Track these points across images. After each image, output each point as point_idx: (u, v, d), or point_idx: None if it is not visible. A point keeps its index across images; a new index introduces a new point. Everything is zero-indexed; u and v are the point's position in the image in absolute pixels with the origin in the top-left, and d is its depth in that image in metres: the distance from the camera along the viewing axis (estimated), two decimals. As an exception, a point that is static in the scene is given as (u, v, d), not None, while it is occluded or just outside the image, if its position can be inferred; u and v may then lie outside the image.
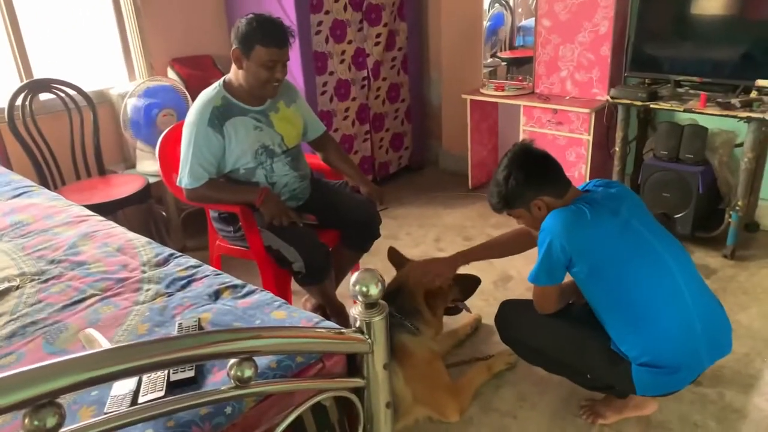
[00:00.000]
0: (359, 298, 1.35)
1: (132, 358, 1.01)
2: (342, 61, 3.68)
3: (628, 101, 3.04)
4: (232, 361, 1.13)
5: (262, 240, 2.26)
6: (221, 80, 2.30)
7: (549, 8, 3.41)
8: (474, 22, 3.87)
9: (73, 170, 3.11)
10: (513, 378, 2.23)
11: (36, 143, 2.94)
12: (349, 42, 3.68)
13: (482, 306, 2.68)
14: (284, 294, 2.31)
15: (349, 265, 2.60)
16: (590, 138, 3.28)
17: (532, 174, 1.80)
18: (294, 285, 2.40)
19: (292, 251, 2.21)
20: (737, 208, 2.86)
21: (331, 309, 2.45)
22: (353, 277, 1.36)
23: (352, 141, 3.88)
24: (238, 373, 1.12)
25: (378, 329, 1.36)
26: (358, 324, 1.36)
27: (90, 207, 2.39)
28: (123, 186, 3.01)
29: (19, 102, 2.88)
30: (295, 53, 3.37)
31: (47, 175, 2.98)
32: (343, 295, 2.57)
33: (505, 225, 3.47)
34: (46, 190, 2.45)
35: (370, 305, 1.36)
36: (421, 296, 2.06)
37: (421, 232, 3.50)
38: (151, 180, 3.12)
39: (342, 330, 1.38)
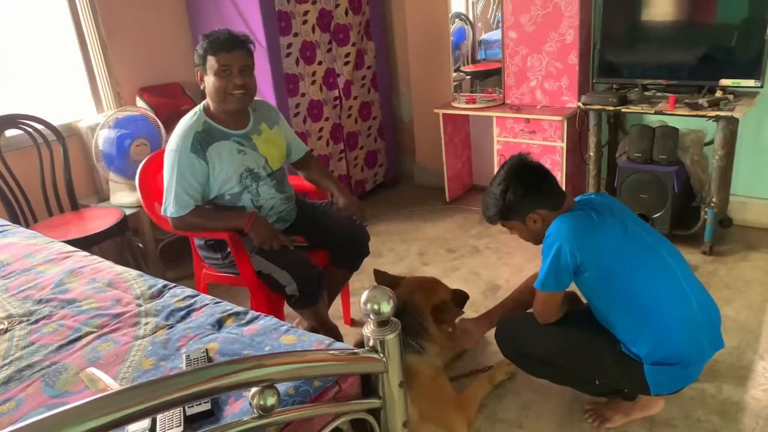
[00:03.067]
0: (371, 316, 1.33)
1: (153, 396, 0.97)
2: (313, 82, 3.67)
3: (600, 107, 3.10)
4: (254, 390, 1.10)
5: (253, 265, 2.22)
6: (200, 106, 2.27)
7: (515, 20, 3.47)
8: (440, 38, 3.92)
9: (44, 206, 3.01)
10: (514, 387, 2.23)
11: (5, 180, 2.84)
12: (319, 63, 3.69)
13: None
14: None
15: (339, 285, 2.57)
16: (564, 145, 3.34)
17: (529, 188, 1.82)
18: (285, 308, 2.36)
19: (284, 275, 2.17)
20: (712, 204, 2.94)
21: (324, 330, 2.40)
22: (364, 295, 1.34)
23: (327, 160, 3.87)
24: (261, 402, 1.09)
25: (392, 347, 1.34)
26: (371, 343, 1.34)
27: (66, 243, 2.31)
28: (99, 219, 2.92)
29: (-15, 139, 2.78)
30: (266, 75, 3.36)
31: (18, 213, 2.88)
32: (333, 315, 2.54)
33: (487, 235, 3.52)
34: (23, 228, 2.36)
35: (382, 323, 1.34)
36: (428, 312, 2.05)
37: (404, 247, 3.49)
38: (127, 212, 3.04)
39: (356, 350, 1.35)
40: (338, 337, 2.41)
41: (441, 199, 4.06)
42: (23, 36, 3.17)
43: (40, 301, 1.76)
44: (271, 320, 1.56)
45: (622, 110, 3.06)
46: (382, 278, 2.33)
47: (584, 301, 1.99)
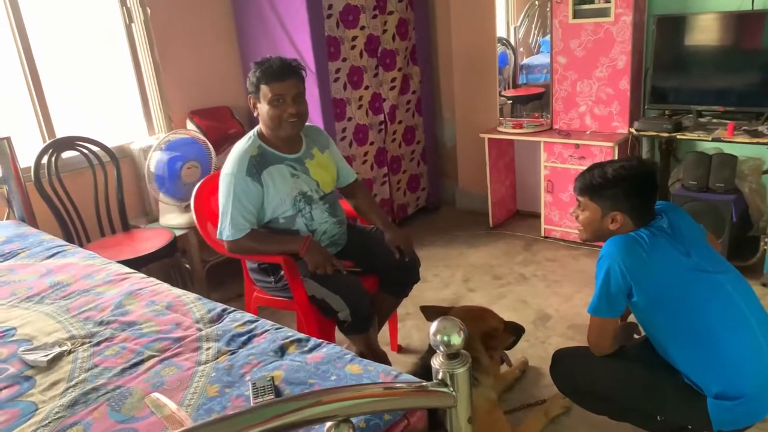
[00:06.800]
0: (441, 348, 1.30)
1: (236, 429, 0.95)
2: (360, 107, 3.69)
3: (654, 133, 3.05)
4: (329, 424, 1.08)
5: (306, 290, 2.21)
6: (254, 131, 2.30)
7: (564, 46, 3.45)
8: (485, 63, 3.92)
9: (97, 226, 3.07)
10: (570, 422, 2.17)
11: (61, 201, 2.90)
12: (366, 87, 3.71)
13: (525, 348, 2.62)
14: (329, 345, 2.24)
15: (388, 311, 2.54)
16: (614, 171, 3.27)
17: (636, 192, 1.78)
18: (336, 333, 2.34)
19: (337, 300, 2.16)
20: (773, 235, 2.85)
21: (374, 357, 2.37)
22: (433, 326, 1.30)
23: (371, 184, 3.87)
24: (337, 436, 1.07)
25: (462, 381, 1.30)
26: (440, 376, 1.30)
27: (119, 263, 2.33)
28: (150, 240, 2.96)
29: (44, 161, 2.85)
30: (315, 100, 3.38)
31: (72, 233, 2.93)
32: (379, 341, 2.50)
33: (533, 263, 3.46)
34: (80, 249, 2.40)
35: (452, 356, 1.31)
36: (478, 342, 2.00)
37: (449, 273, 3.45)
38: (176, 233, 3.08)
39: (425, 384, 1.32)
40: (388, 364, 2.38)
41: (484, 225, 4.01)
42: (82, 62, 3.26)
43: (101, 323, 1.78)
44: (334, 348, 1.54)
45: (678, 137, 2.99)
46: (431, 313, 2.25)
47: (642, 332, 1.93)
